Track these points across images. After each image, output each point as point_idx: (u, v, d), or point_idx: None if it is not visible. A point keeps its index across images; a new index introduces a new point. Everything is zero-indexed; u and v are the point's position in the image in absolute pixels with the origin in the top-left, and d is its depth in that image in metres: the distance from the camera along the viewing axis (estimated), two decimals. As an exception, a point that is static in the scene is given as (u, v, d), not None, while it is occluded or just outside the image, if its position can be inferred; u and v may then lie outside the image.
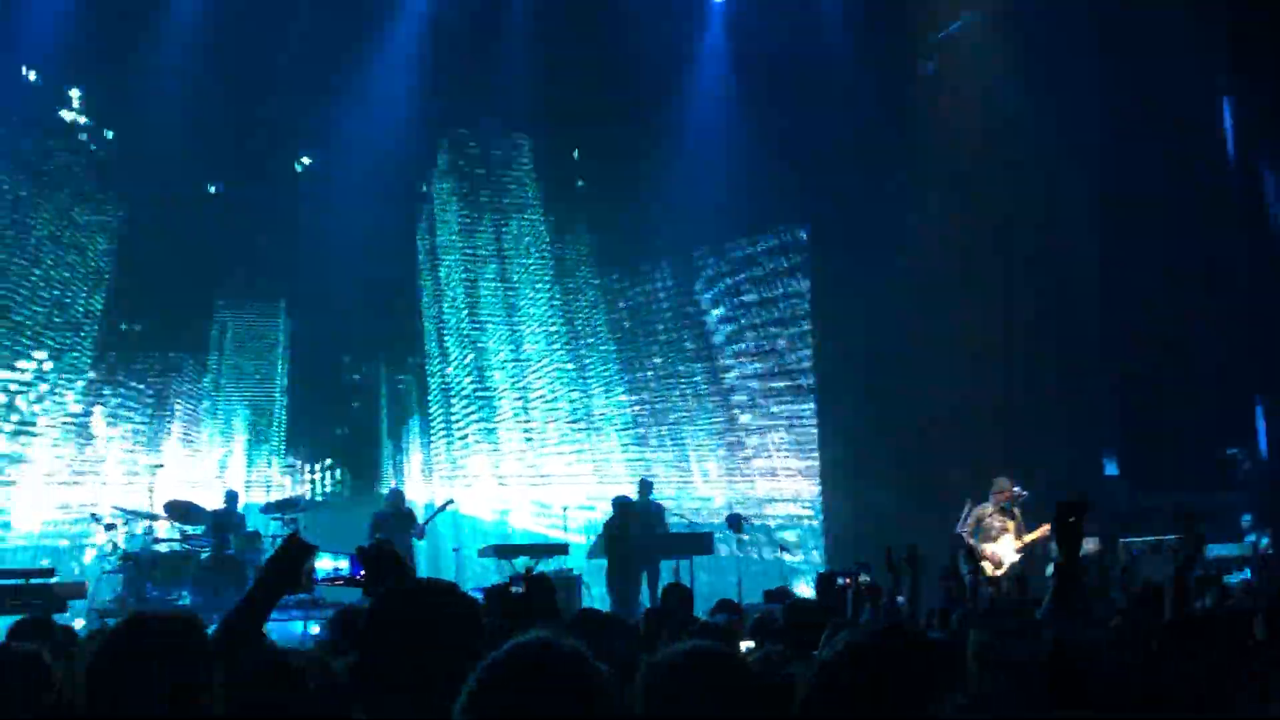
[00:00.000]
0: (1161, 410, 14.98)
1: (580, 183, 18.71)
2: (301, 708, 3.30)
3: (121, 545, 13.56)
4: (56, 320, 15.73)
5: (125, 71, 15.76)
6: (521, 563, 13.38)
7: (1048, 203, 15.90)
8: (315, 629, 11.25)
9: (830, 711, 2.64)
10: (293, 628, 11.61)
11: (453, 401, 18.01)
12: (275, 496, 15.96)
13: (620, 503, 14.79)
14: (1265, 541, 13.47)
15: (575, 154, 18.61)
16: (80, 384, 15.86)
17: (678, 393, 18.27)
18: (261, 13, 16.06)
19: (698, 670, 2.68)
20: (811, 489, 17.50)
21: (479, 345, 18.17)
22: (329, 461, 17.56)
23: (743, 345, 18.11)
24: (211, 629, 3.29)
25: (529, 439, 18.06)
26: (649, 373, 18.35)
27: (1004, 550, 12.81)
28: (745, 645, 5.72)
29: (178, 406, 16.76)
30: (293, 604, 11.75)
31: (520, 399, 18.14)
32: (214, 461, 16.95)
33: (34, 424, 15.35)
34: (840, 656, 2.67)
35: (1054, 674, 3.69)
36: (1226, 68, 15.39)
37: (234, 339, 17.36)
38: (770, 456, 17.81)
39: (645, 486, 15.47)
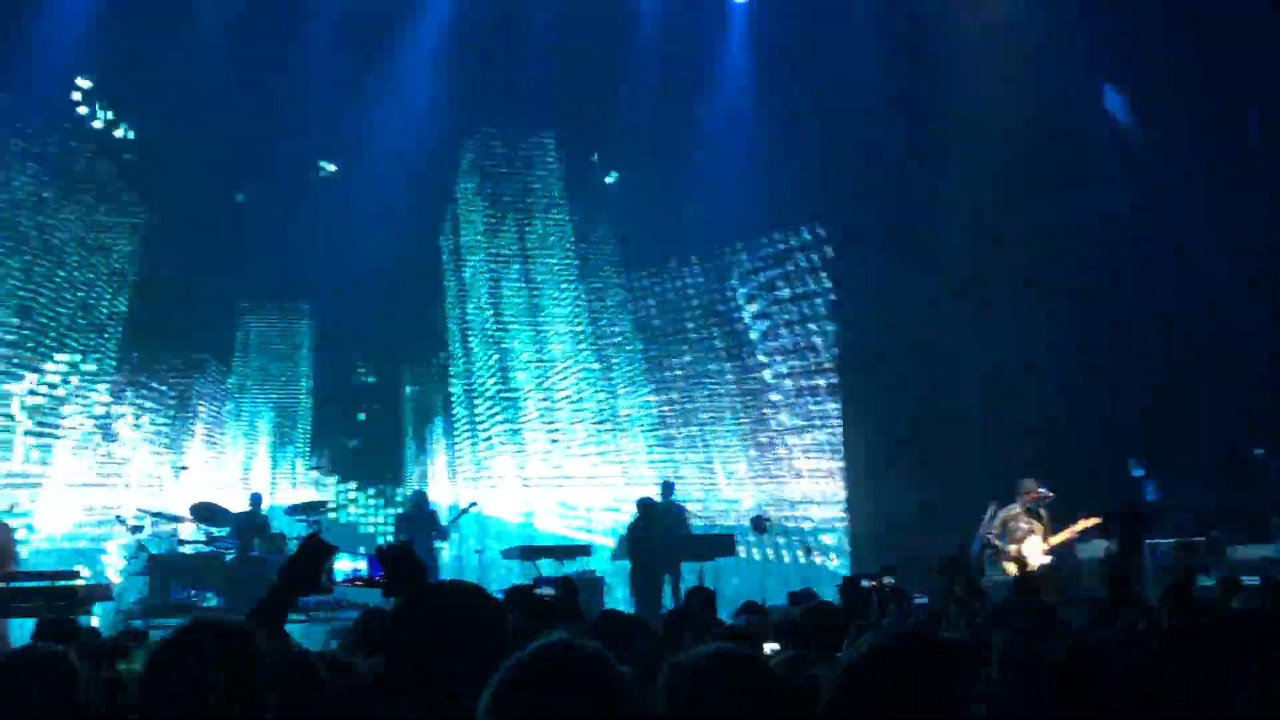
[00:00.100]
0: (1188, 411, 14.89)
1: (611, 176, 18.60)
2: (323, 708, 3.30)
3: (147, 547, 13.63)
4: (81, 322, 15.81)
5: (150, 73, 15.82)
6: (545, 566, 13.40)
7: (1078, 202, 15.83)
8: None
9: (853, 714, 2.62)
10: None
11: (477, 402, 17.96)
12: (300, 498, 15.96)
13: (644, 504, 14.76)
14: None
15: (595, 157, 18.57)
16: (104, 386, 15.92)
17: (706, 392, 18.03)
18: (285, 14, 16.15)
19: (720, 672, 2.69)
20: (839, 490, 17.37)
21: (503, 346, 18.11)
22: (353, 463, 17.54)
23: (776, 343, 17.89)
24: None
25: (554, 440, 17.94)
26: (677, 372, 18.10)
27: (1031, 551, 12.74)
28: (770, 647, 5.69)
29: (201, 408, 16.82)
30: (312, 605, 11.74)
31: (545, 399, 18.05)
32: (238, 463, 17.00)
33: (58, 426, 15.39)
34: (864, 658, 2.65)
35: (1064, 674, 3.68)
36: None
37: (258, 340, 17.41)
38: (798, 458, 17.65)
39: (667, 488, 15.42)
